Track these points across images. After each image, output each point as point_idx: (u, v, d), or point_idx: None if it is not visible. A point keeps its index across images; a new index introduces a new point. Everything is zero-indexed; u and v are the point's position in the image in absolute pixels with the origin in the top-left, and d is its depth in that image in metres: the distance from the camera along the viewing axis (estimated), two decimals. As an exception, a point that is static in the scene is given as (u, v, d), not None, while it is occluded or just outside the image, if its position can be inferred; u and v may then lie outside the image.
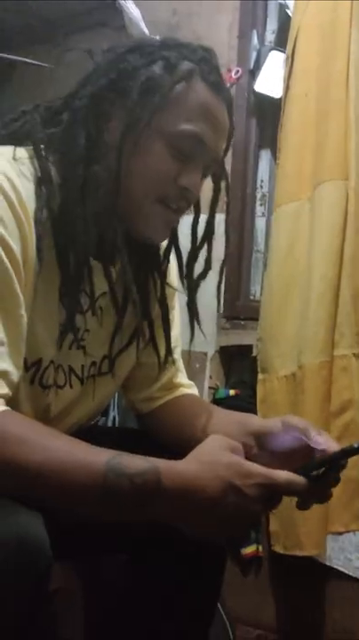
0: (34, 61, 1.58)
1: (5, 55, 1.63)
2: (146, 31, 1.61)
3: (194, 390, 0.92)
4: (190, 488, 0.57)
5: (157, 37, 0.80)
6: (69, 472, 0.56)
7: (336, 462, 0.64)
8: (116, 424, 1.47)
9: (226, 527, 0.59)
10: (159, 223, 0.74)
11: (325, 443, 0.66)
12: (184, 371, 0.93)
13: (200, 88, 0.72)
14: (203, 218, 0.82)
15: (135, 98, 0.70)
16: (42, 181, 0.68)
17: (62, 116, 0.73)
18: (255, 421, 0.78)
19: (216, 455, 0.59)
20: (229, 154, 0.82)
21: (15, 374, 0.63)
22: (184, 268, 0.82)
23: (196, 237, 0.82)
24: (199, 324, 0.81)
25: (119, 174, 0.70)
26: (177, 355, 0.89)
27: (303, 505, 0.64)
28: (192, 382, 0.93)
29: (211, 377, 1.58)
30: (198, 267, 0.82)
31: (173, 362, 0.88)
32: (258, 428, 0.75)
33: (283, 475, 0.59)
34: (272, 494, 0.59)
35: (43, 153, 0.71)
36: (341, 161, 1.35)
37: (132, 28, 1.62)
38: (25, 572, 0.52)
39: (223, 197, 0.83)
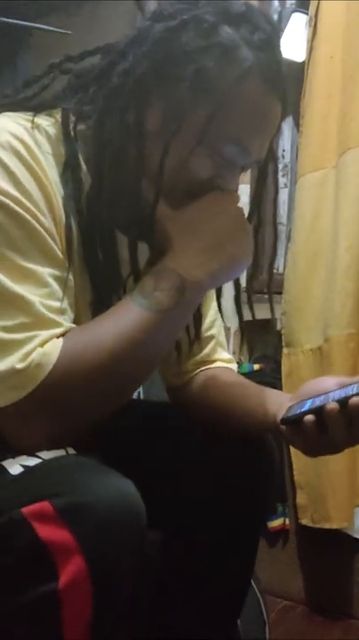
0: (50, 28, 1.55)
1: (22, 22, 1.60)
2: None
3: (232, 365, 0.90)
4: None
5: None
6: (125, 334, 0.60)
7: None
8: (141, 397, 1.47)
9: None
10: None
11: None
12: (225, 345, 0.91)
13: (255, 87, 0.64)
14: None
15: (183, 94, 0.63)
16: (69, 164, 0.65)
17: (95, 89, 0.68)
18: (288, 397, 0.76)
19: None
20: (276, 156, 0.78)
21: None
22: None
23: None
24: (240, 298, 0.80)
25: (162, 179, 0.65)
26: (216, 329, 0.88)
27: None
28: (231, 357, 0.91)
29: (234, 352, 1.57)
30: None
31: (212, 337, 0.87)
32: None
33: None
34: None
35: (71, 128, 0.66)
36: (368, 126, 1.30)
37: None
38: (134, 532, 0.54)
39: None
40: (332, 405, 0.62)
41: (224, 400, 0.80)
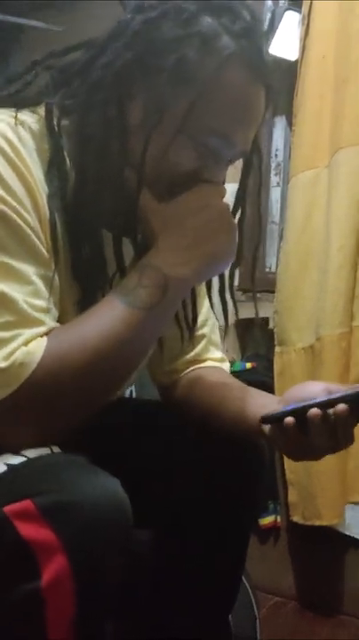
0: (42, 24, 1.54)
1: (14, 18, 1.59)
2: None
3: (224, 365, 0.90)
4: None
5: None
6: (110, 331, 0.60)
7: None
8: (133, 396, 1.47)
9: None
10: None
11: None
12: (218, 344, 0.91)
13: (236, 75, 0.64)
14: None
15: (164, 85, 0.63)
16: (54, 161, 0.65)
17: (77, 85, 0.68)
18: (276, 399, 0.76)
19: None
20: (262, 149, 0.75)
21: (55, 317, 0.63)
22: None
23: None
24: (232, 296, 0.79)
25: (137, 157, 0.64)
26: (208, 328, 0.87)
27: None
28: (224, 357, 0.90)
29: (227, 350, 1.57)
30: None
31: (203, 336, 0.86)
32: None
33: None
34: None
35: (55, 124, 0.66)
36: (361, 126, 1.31)
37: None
38: (119, 530, 0.54)
39: (238, 165, 0.78)
40: (315, 410, 0.62)
41: (209, 400, 0.80)
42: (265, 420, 0.66)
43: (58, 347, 0.58)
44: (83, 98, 0.67)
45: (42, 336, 0.59)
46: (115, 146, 0.65)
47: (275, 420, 0.65)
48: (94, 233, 0.68)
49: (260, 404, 0.74)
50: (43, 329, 0.59)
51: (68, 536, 0.51)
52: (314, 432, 0.63)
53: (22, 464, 0.57)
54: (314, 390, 0.69)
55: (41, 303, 0.60)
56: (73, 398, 0.60)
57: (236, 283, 1.52)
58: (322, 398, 0.64)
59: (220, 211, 0.68)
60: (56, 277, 0.64)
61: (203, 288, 0.84)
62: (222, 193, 0.70)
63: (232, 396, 0.79)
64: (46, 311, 0.61)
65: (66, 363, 0.58)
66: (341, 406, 0.61)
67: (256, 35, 0.66)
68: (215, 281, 0.79)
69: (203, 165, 0.67)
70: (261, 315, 1.52)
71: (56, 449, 0.60)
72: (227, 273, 0.77)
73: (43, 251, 0.63)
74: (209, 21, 0.64)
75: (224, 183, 0.73)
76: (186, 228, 0.66)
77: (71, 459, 0.58)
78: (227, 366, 0.90)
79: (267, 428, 0.68)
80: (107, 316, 0.62)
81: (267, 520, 1.47)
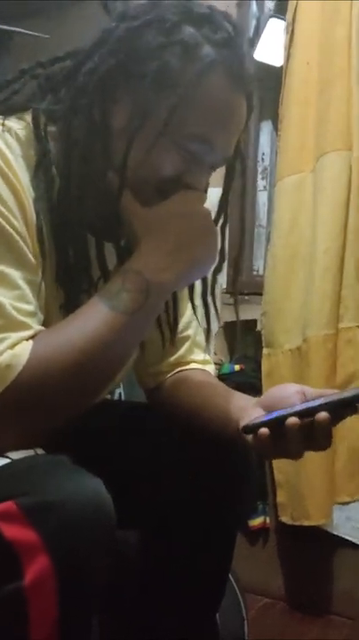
0: (30, 32, 1.55)
1: (2, 26, 1.60)
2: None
3: (208, 367, 0.90)
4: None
5: None
6: (94, 334, 0.61)
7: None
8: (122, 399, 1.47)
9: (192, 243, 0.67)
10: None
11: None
12: (203, 346, 0.91)
13: (218, 83, 0.65)
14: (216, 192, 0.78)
15: (146, 90, 0.64)
16: (40, 166, 0.66)
17: (64, 91, 0.69)
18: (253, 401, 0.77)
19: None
20: (244, 154, 0.78)
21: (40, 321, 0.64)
22: None
23: None
24: (214, 301, 0.80)
25: (125, 173, 0.66)
26: (191, 330, 0.88)
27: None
28: (208, 358, 0.91)
29: (215, 353, 1.59)
30: None
31: (186, 338, 0.87)
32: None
33: None
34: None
35: (42, 129, 0.68)
36: (344, 131, 1.33)
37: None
38: (102, 530, 0.55)
39: (222, 170, 0.79)
40: (293, 419, 0.63)
41: (194, 402, 0.81)
42: (245, 430, 0.68)
43: (43, 349, 0.59)
44: (68, 103, 0.68)
45: (28, 339, 0.60)
46: (98, 149, 0.66)
47: (254, 429, 0.67)
48: (79, 237, 0.69)
49: (240, 406, 0.75)
50: (29, 332, 0.60)
51: (50, 536, 0.51)
52: (291, 439, 0.64)
53: (6, 465, 0.58)
54: (289, 392, 0.70)
55: (27, 307, 0.61)
56: (58, 400, 0.60)
57: (224, 286, 1.56)
58: (299, 407, 0.65)
59: (202, 217, 0.69)
60: (42, 282, 0.65)
61: (185, 291, 0.85)
62: (203, 199, 0.71)
63: (215, 399, 0.80)
64: (32, 315, 0.62)
65: (51, 365, 0.59)
66: (323, 414, 0.62)
67: (237, 45, 0.67)
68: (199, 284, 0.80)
69: (186, 170, 0.68)
70: (249, 317, 1.53)
71: (40, 451, 0.60)
72: (209, 277, 0.78)
73: (30, 256, 0.63)
74: (191, 31, 0.66)
75: (207, 188, 0.74)
76: (168, 234, 0.67)
77: (55, 459, 0.59)
78: (211, 368, 0.91)
79: (246, 436, 0.69)
80: (92, 320, 0.62)
81: (256, 521, 1.48)
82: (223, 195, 0.78)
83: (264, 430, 0.65)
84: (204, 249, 0.69)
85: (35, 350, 0.59)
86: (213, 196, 0.78)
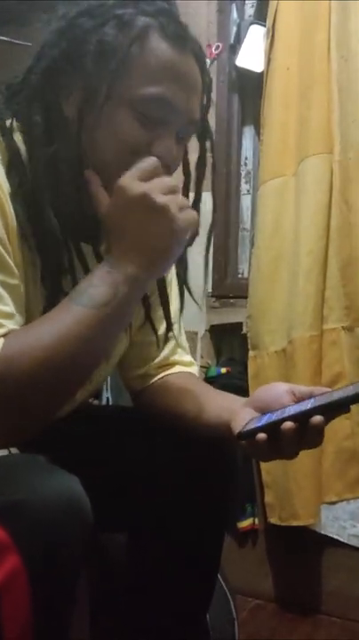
0: (10, 39, 1.55)
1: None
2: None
3: (193, 369, 0.91)
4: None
5: None
6: (63, 330, 0.61)
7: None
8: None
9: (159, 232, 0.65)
10: None
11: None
12: (186, 347, 0.92)
13: (159, 44, 0.67)
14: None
15: (89, 66, 0.65)
16: (12, 163, 0.67)
17: (21, 94, 0.70)
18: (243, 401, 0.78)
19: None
20: (211, 130, 0.77)
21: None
22: None
23: None
24: (193, 298, 0.81)
25: (80, 150, 0.66)
26: (175, 331, 0.88)
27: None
28: (193, 360, 0.92)
29: (202, 356, 1.59)
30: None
31: (169, 339, 0.87)
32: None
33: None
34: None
35: (8, 130, 0.68)
36: (325, 134, 1.35)
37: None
38: (75, 529, 0.54)
39: (209, 175, 0.80)
40: (289, 424, 0.64)
41: (179, 405, 0.82)
42: (240, 436, 0.68)
43: (13, 347, 0.59)
44: (25, 102, 0.69)
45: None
46: (57, 141, 0.67)
47: (250, 436, 0.67)
48: (58, 238, 0.69)
49: (228, 407, 0.75)
50: (1, 331, 0.60)
51: (20, 535, 0.51)
52: (287, 442, 0.65)
53: None
54: (278, 391, 0.71)
55: (3, 308, 0.62)
56: (31, 397, 0.60)
57: (209, 289, 1.56)
58: (294, 410, 0.66)
59: (159, 205, 0.65)
60: (22, 285, 0.65)
61: (173, 290, 0.85)
62: (155, 170, 0.67)
63: (201, 400, 0.80)
64: (9, 317, 0.62)
65: (21, 361, 0.59)
66: (318, 418, 0.63)
67: (172, 13, 0.69)
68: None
69: (152, 138, 0.68)
70: (235, 320, 1.55)
71: (14, 450, 0.60)
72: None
73: (9, 259, 0.64)
74: (125, 9, 0.68)
75: (178, 163, 0.74)
76: (125, 226, 0.66)
77: (29, 458, 0.59)
78: (195, 370, 0.92)
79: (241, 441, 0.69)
80: (61, 317, 0.62)
81: (245, 523, 1.49)
82: (197, 180, 0.78)
83: (262, 436, 0.65)
84: (166, 233, 0.66)
85: (5, 348, 0.59)
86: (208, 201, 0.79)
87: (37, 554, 0.52)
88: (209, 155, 0.79)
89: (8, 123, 0.69)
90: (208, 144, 0.77)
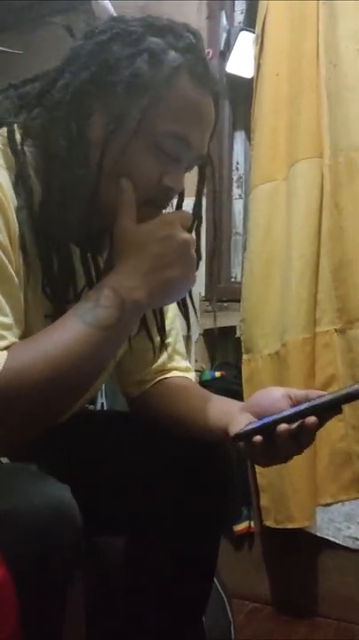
0: (3, 48, 1.55)
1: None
2: (113, 14, 1.59)
3: (189, 374, 0.92)
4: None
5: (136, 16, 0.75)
6: (69, 347, 0.61)
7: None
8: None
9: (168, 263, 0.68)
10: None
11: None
12: (183, 353, 0.93)
13: (186, 84, 0.69)
14: (187, 203, 0.81)
15: (119, 96, 0.67)
16: (20, 176, 0.67)
17: (39, 108, 0.71)
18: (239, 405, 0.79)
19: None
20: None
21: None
22: None
23: None
24: (194, 309, 0.82)
25: (100, 175, 0.68)
26: (172, 337, 0.90)
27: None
28: (189, 366, 0.93)
29: (196, 360, 1.60)
30: None
31: (167, 345, 0.88)
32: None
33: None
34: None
35: (18, 142, 0.69)
36: (315, 139, 1.37)
37: (100, 11, 1.60)
38: (64, 536, 0.55)
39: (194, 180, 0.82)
40: (284, 426, 0.66)
41: (176, 410, 0.83)
42: (236, 437, 0.69)
43: (18, 361, 0.59)
44: (46, 117, 0.70)
45: (2, 350, 0.60)
46: (77, 160, 0.68)
47: (246, 437, 0.68)
48: (62, 247, 0.70)
49: (225, 411, 0.76)
50: (3, 343, 0.61)
51: (7, 545, 0.51)
52: (281, 444, 0.66)
53: None
54: (275, 395, 0.72)
55: (3, 320, 0.62)
56: (31, 411, 0.60)
57: (202, 294, 1.57)
58: (288, 411, 0.67)
59: (182, 242, 0.69)
60: (21, 294, 0.65)
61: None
62: (186, 220, 0.72)
63: (198, 405, 0.81)
64: (9, 328, 0.62)
65: (25, 377, 0.59)
66: (312, 419, 0.65)
67: (199, 50, 0.72)
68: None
69: (164, 172, 0.70)
70: (228, 324, 1.55)
71: (4, 460, 0.60)
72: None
73: (10, 268, 0.64)
74: (156, 40, 0.70)
75: (183, 191, 0.77)
76: (146, 255, 0.67)
77: (18, 468, 0.59)
78: (192, 375, 0.93)
79: (237, 443, 0.71)
80: (66, 334, 0.63)
81: (240, 526, 1.49)
82: (196, 202, 0.81)
83: (258, 438, 0.66)
84: (180, 274, 0.69)
85: (11, 361, 0.59)
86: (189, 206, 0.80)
87: (27, 561, 0.52)
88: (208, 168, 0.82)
89: (18, 134, 0.69)
90: (208, 172, 0.80)
